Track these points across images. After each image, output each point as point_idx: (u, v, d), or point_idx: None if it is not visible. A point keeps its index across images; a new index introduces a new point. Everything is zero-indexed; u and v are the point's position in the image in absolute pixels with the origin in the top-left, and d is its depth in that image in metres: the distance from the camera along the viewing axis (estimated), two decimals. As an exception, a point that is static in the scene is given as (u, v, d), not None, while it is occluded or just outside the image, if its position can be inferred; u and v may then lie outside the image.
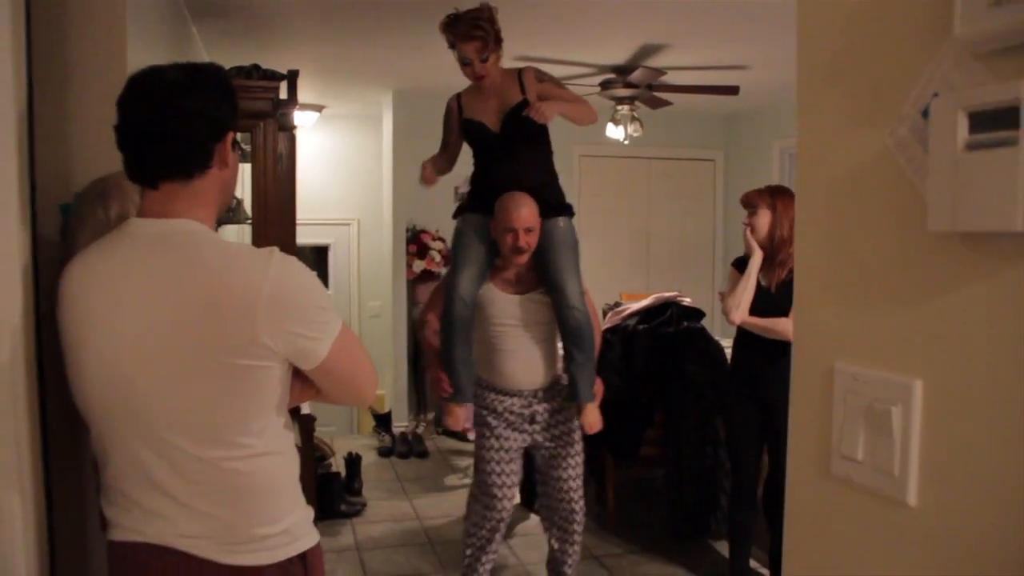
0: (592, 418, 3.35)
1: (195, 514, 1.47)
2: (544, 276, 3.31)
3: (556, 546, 3.55)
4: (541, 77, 3.32)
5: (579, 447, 3.47)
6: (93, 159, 1.85)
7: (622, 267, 7.26)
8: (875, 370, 0.85)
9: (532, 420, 3.38)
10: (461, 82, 3.25)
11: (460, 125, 3.30)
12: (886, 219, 0.82)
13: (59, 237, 1.71)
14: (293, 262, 1.49)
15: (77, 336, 1.44)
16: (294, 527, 1.57)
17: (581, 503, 3.48)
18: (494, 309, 3.34)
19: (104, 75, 2.07)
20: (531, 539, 4.33)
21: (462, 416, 3.38)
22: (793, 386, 1.00)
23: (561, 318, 3.28)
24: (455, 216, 3.41)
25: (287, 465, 1.57)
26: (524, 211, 3.17)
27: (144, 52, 2.75)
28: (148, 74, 1.50)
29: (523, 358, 3.34)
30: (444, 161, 3.38)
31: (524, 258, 3.24)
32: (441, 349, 3.33)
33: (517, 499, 3.43)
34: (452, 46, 3.18)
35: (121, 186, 1.72)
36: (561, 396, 3.38)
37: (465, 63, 3.15)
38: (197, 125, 1.49)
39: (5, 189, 1.24)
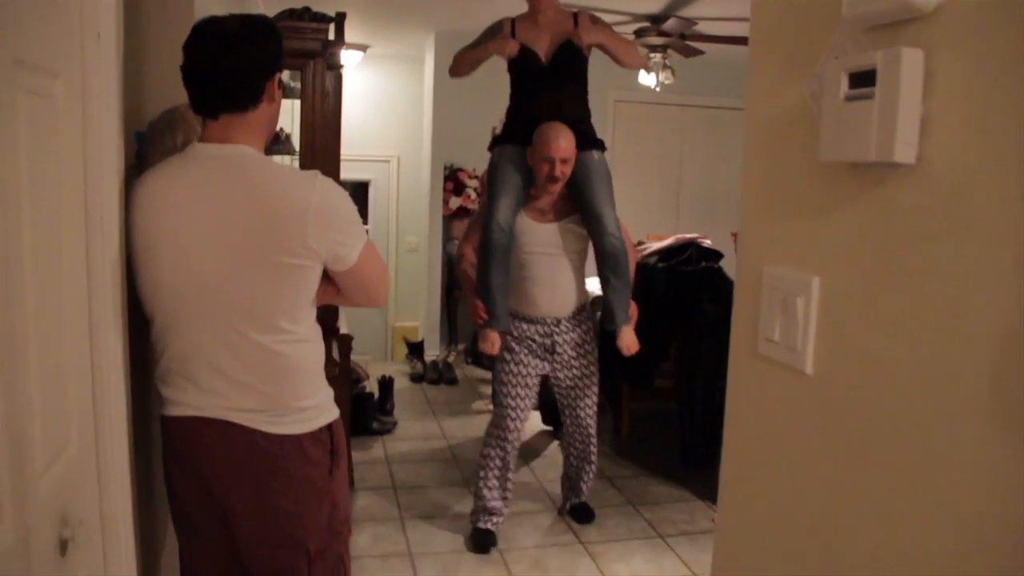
0: (629, 339, 3.52)
1: (247, 390, 1.78)
2: (581, 204, 3.44)
3: (574, 470, 3.81)
4: (595, 20, 3.49)
5: (596, 380, 3.67)
6: (162, 93, 2.10)
7: (652, 210, 7.45)
8: (788, 270, 1.10)
9: (552, 351, 3.55)
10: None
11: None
12: (800, 153, 1.06)
13: (134, 159, 1.98)
14: (333, 183, 1.80)
15: (150, 238, 1.73)
16: (323, 402, 1.89)
17: (595, 431, 3.71)
18: (525, 237, 3.47)
19: (174, 21, 2.32)
20: (549, 459, 4.65)
21: (498, 341, 3.51)
22: (736, 287, 1.25)
23: (599, 244, 3.42)
24: (491, 147, 3.58)
25: (318, 352, 1.89)
26: (563, 141, 3.29)
27: (207, -3, 2.98)
28: (208, 23, 1.80)
29: (549, 285, 3.49)
30: (469, 52, 3.52)
31: (558, 187, 3.37)
32: (478, 276, 3.49)
33: (526, 423, 3.68)
34: None
35: (186, 117, 2.01)
36: (583, 327, 3.58)
37: None
38: (249, 66, 1.78)
39: (110, 123, 1.52)
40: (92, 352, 1.54)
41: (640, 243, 5.37)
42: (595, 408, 3.72)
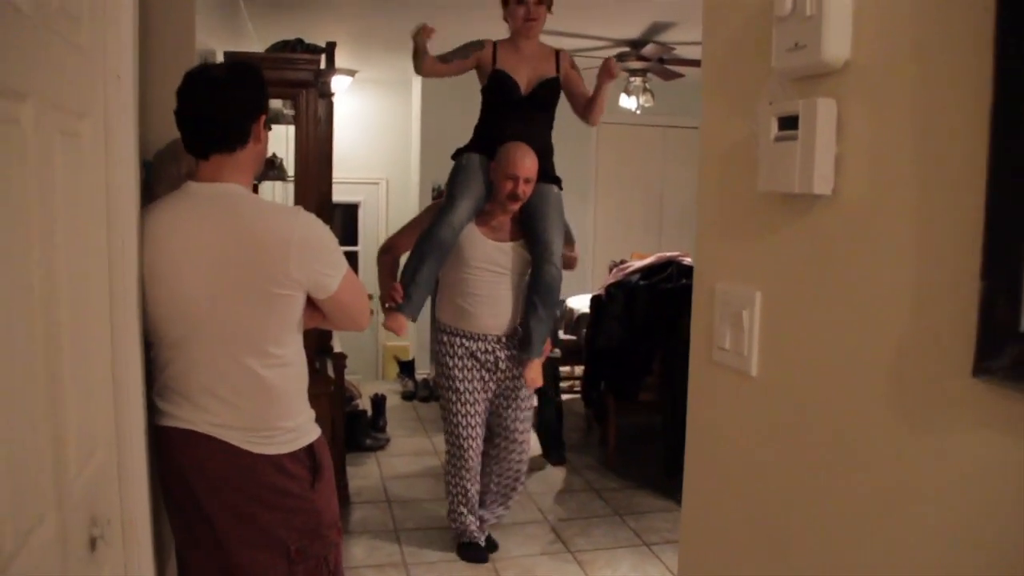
0: (534, 373, 3.54)
1: (234, 409, 1.94)
2: (531, 230, 3.47)
3: (495, 482, 3.77)
4: (573, 65, 3.55)
5: (526, 395, 3.67)
6: (166, 127, 2.26)
7: (636, 229, 7.62)
8: (736, 286, 1.26)
9: (496, 367, 3.57)
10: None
11: (491, 74, 3.43)
12: (743, 183, 1.22)
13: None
14: (315, 218, 1.98)
15: (152, 268, 1.88)
16: (304, 424, 2.05)
17: (525, 445, 3.70)
18: (473, 252, 3.47)
19: (175, 60, 2.48)
20: (539, 473, 4.78)
21: (406, 324, 3.47)
22: (693, 302, 1.41)
23: (539, 271, 3.46)
24: (456, 155, 3.58)
25: (301, 376, 2.06)
26: (528, 161, 3.32)
27: (204, 33, 3.15)
28: (199, 70, 2.00)
29: (492, 303, 3.51)
30: (439, 62, 3.45)
31: (517, 206, 3.39)
32: (410, 262, 3.45)
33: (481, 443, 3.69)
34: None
35: (187, 149, 2.17)
36: (515, 346, 3.59)
37: (520, 1, 3.31)
38: (236, 111, 1.96)
39: (129, 157, 1.67)
40: (114, 368, 1.69)
41: (623, 261, 5.54)
42: (528, 417, 3.72)
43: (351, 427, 5.11)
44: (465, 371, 3.56)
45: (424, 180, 7.08)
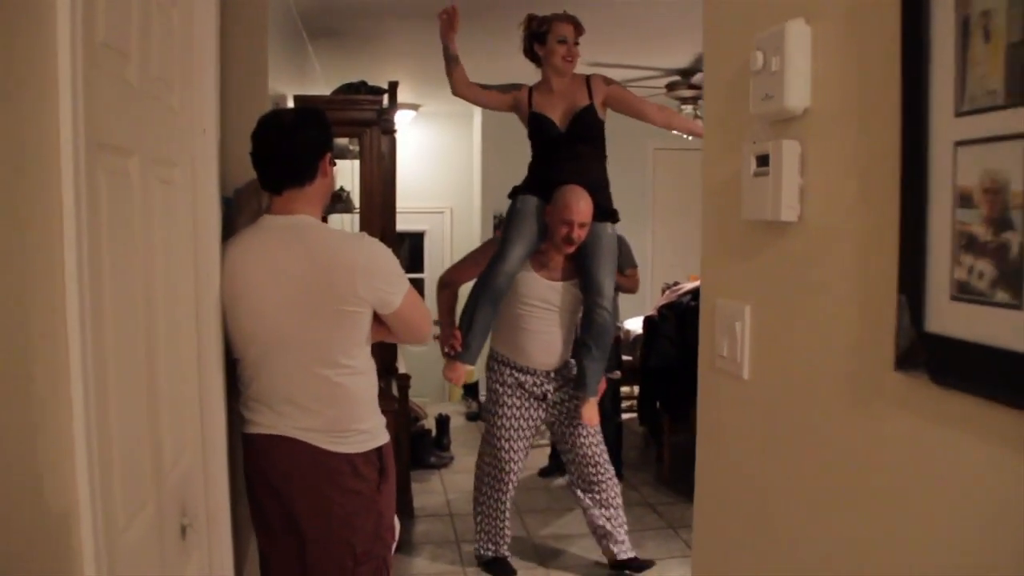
0: (591, 412, 3.59)
1: (313, 414, 2.18)
2: (583, 272, 3.56)
3: (590, 505, 3.78)
4: (608, 81, 3.59)
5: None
6: (243, 167, 2.53)
7: (693, 252, 7.70)
8: (731, 301, 1.44)
9: (544, 398, 3.69)
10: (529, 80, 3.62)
11: (528, 117, 3.55)
12: (735, 210, 1.41)
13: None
14: (377, 242, 2.22)
15: (236, 293, 2.13)
16: (375, 428, 2.27)
17: (605, 464, 3.75)
18: (527, 289, 3.58)
19: (251, 107, 2.75)
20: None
21: (464, 374, 3.66)
22: (700, 316, 1.59)
23: (591, 312, 3.55)
24: (512, 195, 3.67)
25: (371, 383, 2.29)
26: (583, 204, 3.38)
27: (276, 76, 3.44)
28: (270, 116, 2.26)
29: (544, 340, 3.62)
30: (475, 85, 3.56)
31: (572, 249, 3.46)
32: (467, 310, 3.57)
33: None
34: (540, 36, 3.47)
35: (265, 185, 2.44)
36: (567, 379, 3.70)
37: (561, 41, 3.42)
38: (304, 149, 2.22)
39: (212, 199, 1.93)
40: (200, 382, 1.94)
41: (676, 283, 5.68)
42: (599, 440, 3.77)
43: (416, 446, 5.34)
44: (514, 399, 3.67)
45: (485, 208, 7.35)
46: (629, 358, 5.80)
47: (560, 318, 3.64)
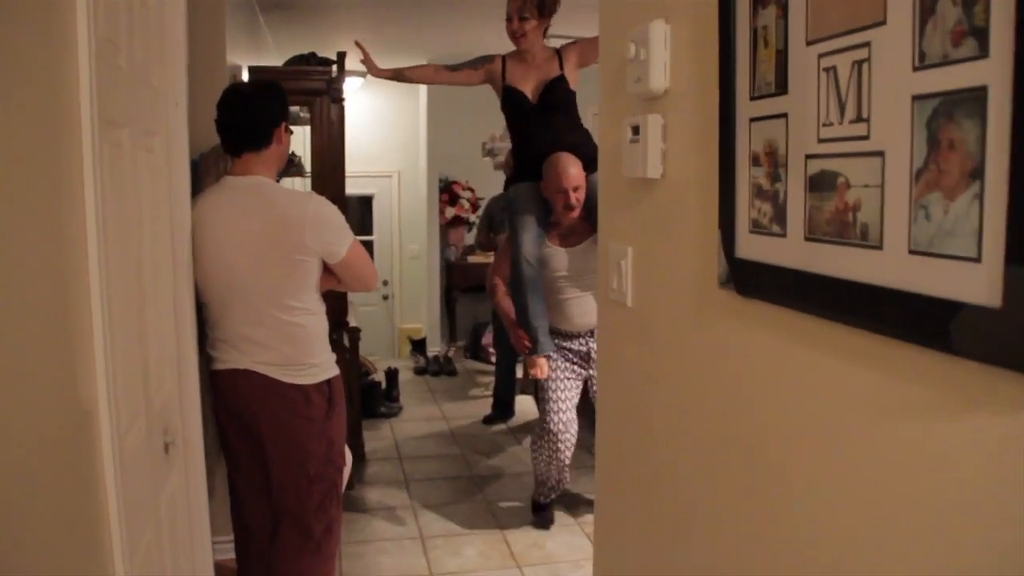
0: None
1: (269, 350, 2.50)
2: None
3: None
4: (576, 41, 3.63)
5: None
6: (207, 132, 2.80)
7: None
8: (618, 244, 1.79)
9: (588, 357, 3.83)
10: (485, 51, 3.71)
11: (502, 89, 3.62)
12: (620, 170, 1.75)
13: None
14: (324, 200, 2.55)
15: (202, 245, 2.44)
16: (325, 362, 2.60)
17: None
18: (554, 263, 3.71)
19: (212, 78, 3.02)
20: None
21: (546, 366, 3.73)
22: (599, 257, 1.93)
23: None
24: (506, 188, 3.79)
25: (321, 323, 2.62)
26: (572, 171, 3.48)
27: (232, 49, 3.69)
28: (232, 88, 2.58)
29: (581, 303, 3.74)
30: (442, 70, 3.68)
31: (576, 213, 3.57)
32: (517, 309, 3.71)
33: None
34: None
35: (227, 150, 2.73)
36: None
37: (507, 19, 3.47)
38: (262, 118, 2.51)
39: (184, 164, 2.22)
40: (176, 323, 2.24)
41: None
42: None
43: (367, 397, 5.67)
44: (561, 366, 3.79)
45: (431, 172, 7.63)
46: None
47: (588, 279, 3.71)
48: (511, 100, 3.63)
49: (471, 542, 3.86)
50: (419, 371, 7.10)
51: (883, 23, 0.92)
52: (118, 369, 1.57)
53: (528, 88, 3.62)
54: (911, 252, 0.89)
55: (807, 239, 1.08)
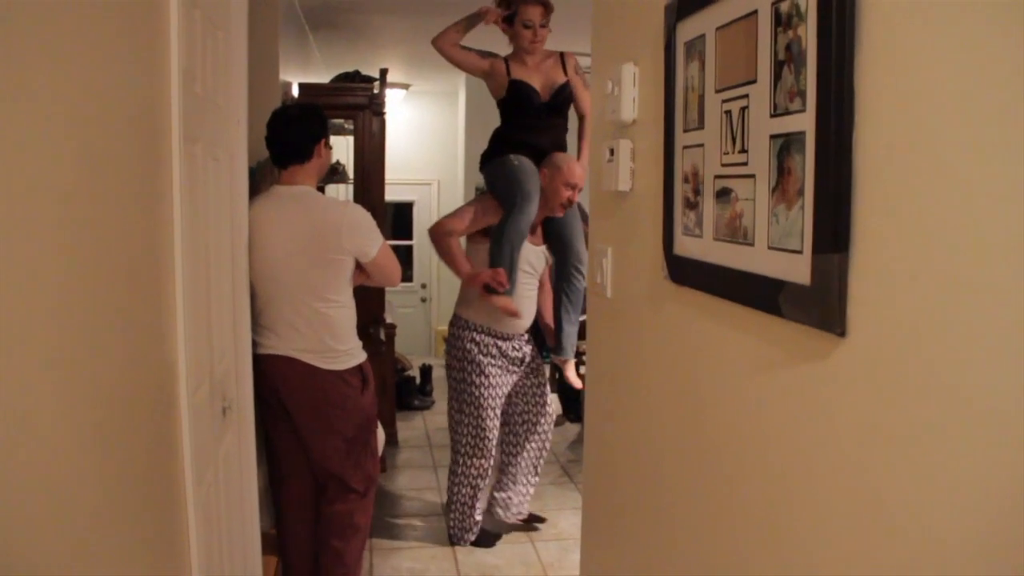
0: (573, 373, 3.85)
1: (307, 338, 2.88)
2: (560, 239, 3.74)
3: (525, 457, 4.01)
4: (578, 69, 3.76)
5: (544, 380, 3.99)
6: (262, 142, 3.20)
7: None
8: (602, 244, 2.14)
9: (522, 362, 3.85)
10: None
11: (508, 84, 3.66)
12: (601, 183, 2.10)
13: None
14: (359, 207, 2.96)
15: (253, 244, 2.83)
16: (355, 349, 2.98)
17: (550, 424, 4.01)
18: (530, 257, 3.70)
19: (267, 96, 3.43)
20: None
21: (512, 303, 3.63)
22: (588, 255, 2.29)
23: (571, 279, 3.74)
24: (487, 159, 3.77)
25: (352, 315, 3.01)
26: (580, 170, 3.57)
27: (284, 67, 4.10)
28: (280, 110, 3.00)
29: (527, 303, 3.75)
30: (458, 46, 3.66)
31: (563, 213, 3.63)
32: (501, 251, 3.54)
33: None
34: (508, 18, 3.58)
35: (279, 162, 3.14)
36: (532, 340, 3.87)
37: (527, 26, 3.55)
38: (304, 136, 2.91)
39: (243, 174, 2.62)
40: (235, 308, 2.63)
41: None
42: (550, 406, 4.02)
43: (401, 390, 6.06)
44: (496, 368, 3.75)
45: (468, 181, 8.02)
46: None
47: (534, 281, 3.81)
48: (520, 93, 3.65)
49: (491, 521, 4.21)
50: (452, 369, 7.49)
51: (755, 81, 1.27)
52: (190, 336, 1.96)
53: (536, 86, 3.69)
54: (769, 247, 1.24)
55: (715, 239, 1.44)
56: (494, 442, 3.84)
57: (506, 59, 3.75)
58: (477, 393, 3.76)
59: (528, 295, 3.80)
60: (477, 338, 3.76)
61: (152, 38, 1.63)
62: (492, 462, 3.87)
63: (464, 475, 3.89)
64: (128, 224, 1.49)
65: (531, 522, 4.16)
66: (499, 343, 3.76)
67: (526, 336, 3.86)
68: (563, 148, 3.80)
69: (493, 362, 3.74)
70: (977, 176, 0.83)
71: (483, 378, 3.75)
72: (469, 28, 3.67)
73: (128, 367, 1.49)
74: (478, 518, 3.98)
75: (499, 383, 3.79)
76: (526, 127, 3.74)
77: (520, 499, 4.09)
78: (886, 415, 0.98)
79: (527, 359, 3.87)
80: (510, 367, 3.81)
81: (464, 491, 3.90)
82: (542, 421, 4.00)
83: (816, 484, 1.14)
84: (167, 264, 1.74)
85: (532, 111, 3.70)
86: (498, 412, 3.81)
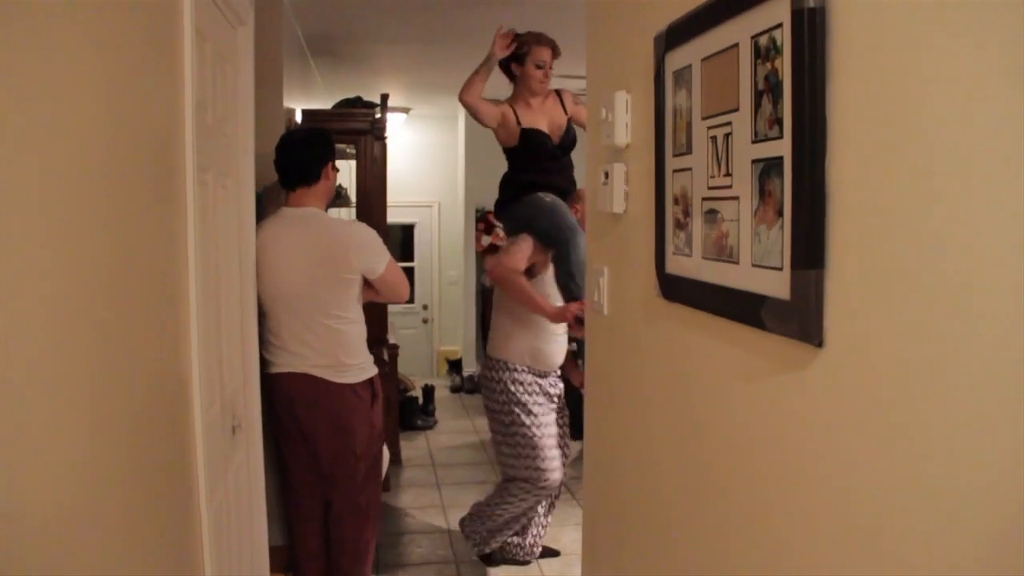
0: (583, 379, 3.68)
1: (318, 353, 2.96)
2: (564, 269, 3.59)
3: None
4: (577, 100, 3.80)
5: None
6: (268, 167, 3.29)
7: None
8: (599, 264, 2.22)
9: (557, 398, 3.84)
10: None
11: (520, 133, 3.68)
12: (597, 205, 2.18)
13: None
14: (366, 226, 3.05)
15: (264, 265, 2.92)
16: (365, 363, 3.06)
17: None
18: (552, 290, 3.68)
19: (272, 122, 3.53)
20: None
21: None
22: (587, 275, 2.37)
23: (566, 285, 3.54)
24: (503, 204, 3.84)
25: (362, 331, 3.08)
26: None
27: (287, 93, 4.20)
28: (288, 135, 3.09)
29: (561, 339, 3.77)
30: (481, 96, 3.65)
31: None
32: (581, 284, 3.34)
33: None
34: (519, 57, 3.61)
35: (285, 185, 3.23)
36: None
37: (539, 67, 3.61)
38: (312, 159, 3.00)
39: (250, 199, 2.70)
40: (243, 330, 2.71)
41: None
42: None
43: (405, 410, 6.13)
44: (544, 408, 3.72)
45: (468, 203, 8.12)
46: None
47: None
48: (534, 141, 3.70)
49: (494, 538, 4.27)
50: (454, 389, 7.56)
51: (737, 109, 1.36)
52: (202, 355, 2.04)
53: (543, 129, 3.73)
54: (752, 265, 1.32)
55: (703, 258, 1.51)
56: (549, 488, 3.75)
57: (512, 106, 3.75)
58: (530, 434, 3.68)
59: (561, 331, 3.77)
60: (519, 378, 3.70)
61: (168, 73, 1.72)
62: (551, 500, 3.85)
63: (517, 505, 3.79)
64: (148, 250, 1.57)
65: (544, 556, 4.15)
66: (539, 381, 3.74)
67: (558, 372, 3.85)
68: (574, 184, 3.85)
69: (538, 400, 3.71)
70: (942, 195, 0.91)
71: (532, 417, 3.68)
72: (489, 72, 3.67)
73: (149, 386, 1.56)
74: (500, 543, 3.93)
75: (547, 421, 3.73)
76: (540, 170, 3.77)
77: (534, 539, 4.07)
78: (861, 420, 1.05)
79: (560, 392, 3.88)
80: (549, 404, 3.79)
81: (506, 515, 3.81)
82: (563, 463, 3.92)
83: (798, 489, 1.21)
84: (182, 288, 1.82)
85: (546, 155, 3.74)
86: (555, 454, 3.75)
